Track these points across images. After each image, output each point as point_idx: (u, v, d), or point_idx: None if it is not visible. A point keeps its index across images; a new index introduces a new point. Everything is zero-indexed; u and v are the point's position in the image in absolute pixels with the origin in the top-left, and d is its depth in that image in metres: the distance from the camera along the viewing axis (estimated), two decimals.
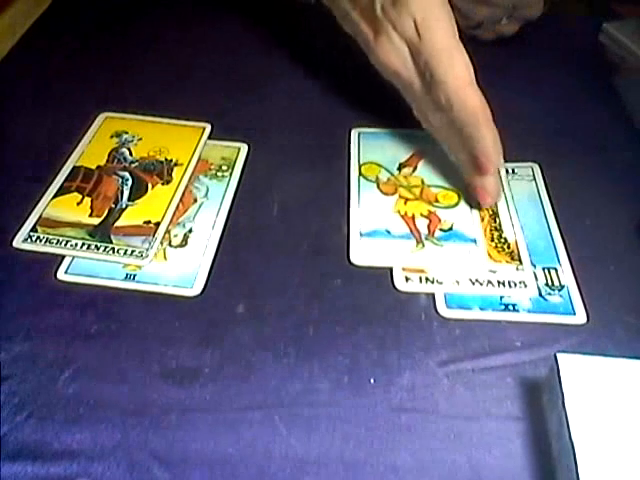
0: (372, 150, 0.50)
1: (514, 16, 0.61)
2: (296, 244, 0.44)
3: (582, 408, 0.31)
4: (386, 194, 0.47)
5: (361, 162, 0.49)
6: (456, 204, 0.46)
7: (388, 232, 0.44)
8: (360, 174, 0.48)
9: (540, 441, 0.34)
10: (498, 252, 0.43)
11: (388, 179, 0.48)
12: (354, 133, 0.52)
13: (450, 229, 0.44)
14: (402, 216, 0.45)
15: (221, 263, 0.42)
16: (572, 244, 0.44)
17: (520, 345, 0.38)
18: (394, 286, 0.41)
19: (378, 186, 0.47)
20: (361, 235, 0.44)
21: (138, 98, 0.56)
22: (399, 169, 0.49)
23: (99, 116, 0.54)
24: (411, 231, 0.44)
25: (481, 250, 0.43)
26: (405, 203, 0.46)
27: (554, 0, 0.62)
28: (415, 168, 0.49)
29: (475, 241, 0.44)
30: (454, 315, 0.40)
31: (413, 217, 0.45)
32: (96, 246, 0.43)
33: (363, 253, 0.43)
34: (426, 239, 0.44)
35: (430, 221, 0.45)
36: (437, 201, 0.46)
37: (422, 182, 0.48)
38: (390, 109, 0.49)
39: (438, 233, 0.44)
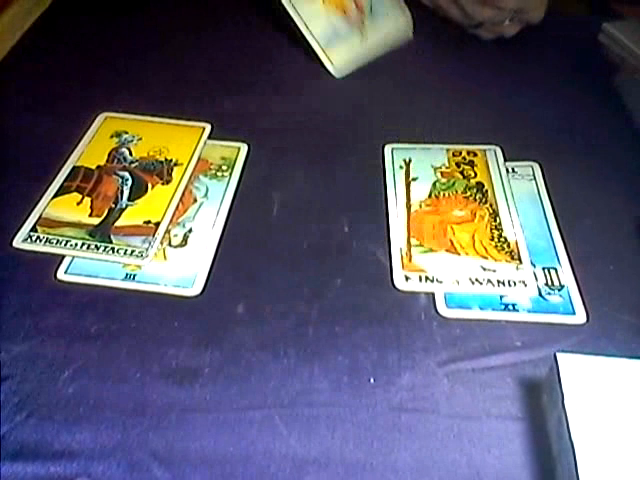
0: None
1: (517, 18, 0.61)
2: (296, 244, 0.44)
3: (582, 408, 0.31)
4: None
5: None
6: None
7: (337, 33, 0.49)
8: None
9: (540, 441, 0.34)
10: (498, 251, 0.43)
11: None
12: None
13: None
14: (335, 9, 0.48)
15: (221, 263, 0.42)
16: (572, 244, 0.44)
17: (520, 345, 0.38)
18: (394, 286, 0.41)
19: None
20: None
21: (138, 98, 0.56)
22: None
23: (99, 116, 0.54)
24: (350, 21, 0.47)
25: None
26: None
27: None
28: None
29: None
30: (454, 315, 0.40)
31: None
32: (96, 246, 0.43)
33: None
34: (364, 19, 0.47)
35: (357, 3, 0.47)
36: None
37: None
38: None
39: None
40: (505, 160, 0.51)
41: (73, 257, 0.42)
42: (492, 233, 0.45)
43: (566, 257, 0.43)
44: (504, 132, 0.53)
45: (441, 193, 0.48)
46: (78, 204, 0.46)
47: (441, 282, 0.41)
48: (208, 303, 0.40)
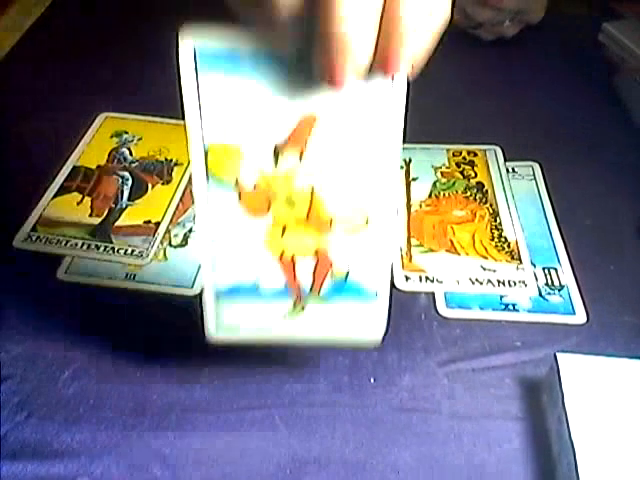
0: (224, 112, 0.27)
1: (516, 19, 0.61)
2: None
3: (582, 408, 0.31)
4: (253, 213, 0.28)
5: (206, 144, 0.27)
6: (360, 232, 0.29)
7: (257, 289, 0.30)
8: (208, 173, 0.27)
9: (540, 441, 0.34)
10: (498, 251, 0.43)
11: (257, 183, 0.28)
12: (186, 55, 0.28)
13: (345, 279, 0.30)
14: (278, 259, 0.29)
15: None
16: (572, 244, 0.44)
17: (520, 345, 0.38)
18: (394, 286, 0.41)
19: (239, 197, 0.28)
20: (218, 295, 0.30)
21: (138, 98, 0.56)
22: (275, 158, 0.27)
23: (99, 116, 0.54)
24: (288, 284, 0.30)
25: (381, 307, 0.31)
26: (283, 233, 0.29)
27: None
28: (302, 155, 0.27)
29: (375, 298, 0.31)
30: (454, 315, 0.40)
31: (293, 262, 0.30)
32: (96, 246, 0.43)
33: (224, 324, 0.31)
34: (308, 297, 0.30)
35: (317, 265, 0.30)
36: (331, 227, 0.29)
37: (312, 190, 0.28)
38: None
39: (326, 287, 0.30)
40: (505, 160, 0.51)
41: (73, 257, 0.42)
42: (492, 233, 0.45)
43: (566, 257, 0.43)
44: (504, 132, 0.53)
45: (441, 193, 0.48)
46: (78, 204, 0.46)
47: (441, 282, 0.41)
48: None
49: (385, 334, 0.33)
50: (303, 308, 0.31)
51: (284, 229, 0.29)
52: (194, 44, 0.25)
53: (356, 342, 0.33)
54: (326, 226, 0.29)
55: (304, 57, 0.24)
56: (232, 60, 0.25)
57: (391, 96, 0.25)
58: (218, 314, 0.31)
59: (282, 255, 0.29)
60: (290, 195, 0.28)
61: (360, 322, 0.31)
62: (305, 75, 0.24)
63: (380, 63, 0.24)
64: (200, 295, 0.40)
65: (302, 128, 0.26)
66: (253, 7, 0.24)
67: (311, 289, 0.30)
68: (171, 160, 0.50)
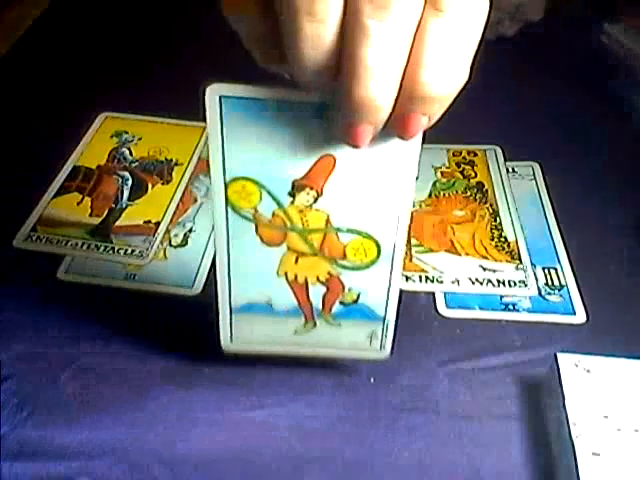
0: (245, 149, 0.28)
1: (515, 18, 0.61)
2: None
3: (582, 408, 0.31)
4: (269, 244, 0.30)
5: (227, 178, 0.29)
6: (372, 262, 0.31)
7: (270, 306, 0.33)
8: (228, 202, 0.29)
9: (540, 441, 0.34)
10: (498, 251, 0.43)
11: (274, 215, 0.29)
12: (212, 100, 0.27)
13: (355, 302, 0.32)
14: (291, 282, 0.32)
15: None
16: (572, 244, 0.44)
17: (520, 345, 0.38)
18: None
19: (257, 229, 0.30)
20: (232, 309, 0.33)
21: (138, 98, 0.56)
22: (292, 194, 0.29)
23: (99, 116, 0.54)
24: (300, 304, 0.33)
25: (389, 327, 0.33)
26: (296, 261, 0.31)
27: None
28: (319, 193, 0.28)
29: (383, 320, 0.33)
30: (454, 315, 0.40)
31: (306, 284, 0.32)
32: (96, 246, 0.43)
33: (237, 336, 0.34)
34: (319, 316, 0.33)
35: (328, 290, 0.32)
36: (345, 257, 0.31)
37: (327, 222, 0.30)
38: None
39: (336, 307, 0.33)
40: (505, 160, 0.51)
41: (73, 257, 0.42)
42: (492, 233, 0.45)
43: (566, 257, 0.43)
44: (504, 132, 0.53)
45: (441, 193, 0.48)
46: (78, 204, 0.46)
47: (441, 282, 0.41)
48: (208, 302, 0.40)
49: (392, 352, 0.34)
50: (315, 325, 0.33)
51: (297, 257, 0.31)
52: (219, 91, 0.26)
53: (365, 359, 0.35)
54: (339, 257, 0.31)
55: (327, 107, 0.25)
56: (255, 105, 0.26)
57: (407, 143, 0.26)
58: (232, 326, 0.34)
59: (295, 278, 0.32)
60: (305, 227, 0.30)
61: (368, 341, 0.34)
62: (326, 123, 0.26)
63: (398, 127, 0.25)
64: (201, 297, 0.40)
65: (320, 168, 0.28)
66: (278, 62, 0.25)
67: (322, 310, 0.33)
68: (171, 160, 0.50)
